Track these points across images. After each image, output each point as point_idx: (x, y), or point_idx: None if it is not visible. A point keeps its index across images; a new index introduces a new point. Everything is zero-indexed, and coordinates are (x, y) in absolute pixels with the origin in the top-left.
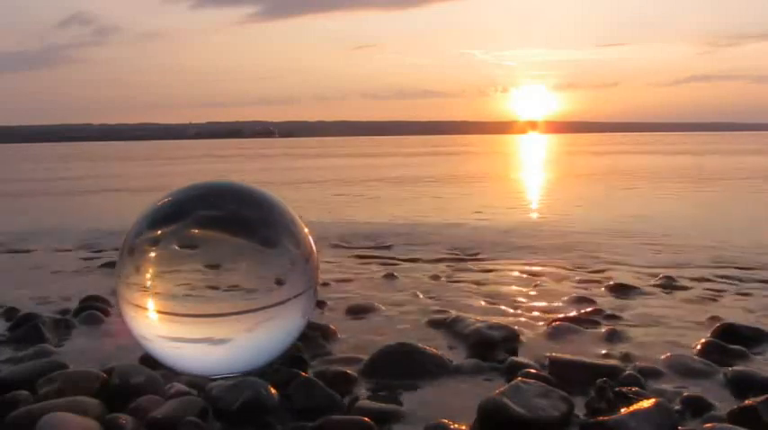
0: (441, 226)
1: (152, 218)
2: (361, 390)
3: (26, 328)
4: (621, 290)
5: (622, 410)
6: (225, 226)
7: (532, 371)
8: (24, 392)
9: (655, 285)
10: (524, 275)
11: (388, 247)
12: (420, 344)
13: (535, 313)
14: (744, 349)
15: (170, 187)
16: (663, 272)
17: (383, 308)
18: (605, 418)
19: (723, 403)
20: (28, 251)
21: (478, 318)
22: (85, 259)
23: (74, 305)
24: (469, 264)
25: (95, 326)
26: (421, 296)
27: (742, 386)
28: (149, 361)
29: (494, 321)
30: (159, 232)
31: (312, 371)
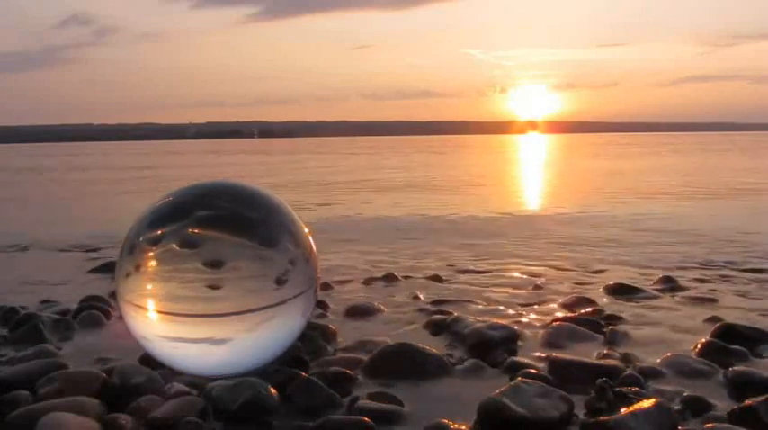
0: (441, 229)
1: (152, 217)
2: (362, 390)
3: (26, 328)
4: (622, 290)
5: (622, 410)
6: (225, 225)
7: (532, 371)
8: (24, 392)
9: (655, 286)
10: (524, 275)
11: (387, 250)
12: (420, 345)
13: (535, 313)
14: (744, 349)
15: None
16: (663, 272)
17: (383, 308)
18: (605, 418)
19: (723, 403)
20: (27, 251)
21: (478, 318)
22: (85, 260)
23: (73, 305)
24: (470, 265)
25: (95, 326)
26: (421, 296)
27: (742, 386)
28: (149, 361)
29: (494, 321)
30: (159, 232)
31: (312, 372)
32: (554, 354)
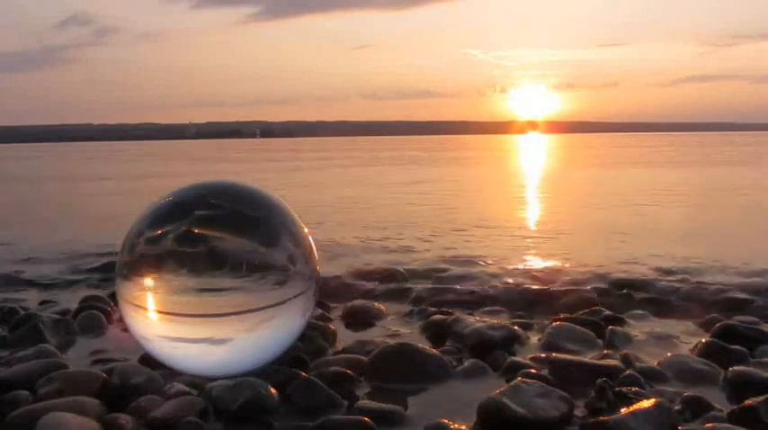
0: (442, 231)
1: (152, 217)
2: (362, 390)
3: (26, 328)
4: (622, 290)
5: (622, 410)
6: (225, 225)
7: (532, 371)
8: (24, 392)
9: (655, 287)
10: (524, 276)
11: (387, 251)
12: (420, 345)
13: (535, 313)
14: (744, 349)
15: None
16: (663, 274)
17: (383, 308)
18: (605, 418)
19: (723, 403)
20: (26, 250)
21: (478, 318)
22: (85, 260)
23: (73, 305)
24: (469, 266)
25: (95, 326)
26: (422, 297)
27: (742, 386)
28: (149, 361)
29: (494, 321)
30: (160, 231)
31: (312, 372)
32: (554, 355)
